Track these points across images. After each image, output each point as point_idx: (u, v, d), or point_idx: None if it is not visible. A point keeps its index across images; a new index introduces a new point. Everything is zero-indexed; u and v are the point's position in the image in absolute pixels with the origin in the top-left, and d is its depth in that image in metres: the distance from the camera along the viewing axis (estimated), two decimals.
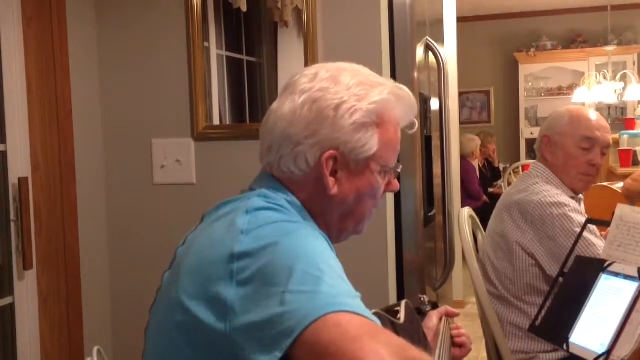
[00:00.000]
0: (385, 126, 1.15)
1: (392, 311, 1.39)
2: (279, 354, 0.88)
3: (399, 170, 1.23)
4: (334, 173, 1.12)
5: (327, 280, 0.92)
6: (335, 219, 1.18)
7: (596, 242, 1.99)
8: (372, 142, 1.12)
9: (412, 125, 1.22)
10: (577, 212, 2.09)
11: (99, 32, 2.55)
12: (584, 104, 7.59)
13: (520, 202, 2.14)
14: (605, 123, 2.28)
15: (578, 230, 2.01)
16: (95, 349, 1.37)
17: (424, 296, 1.62)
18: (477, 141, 7.01)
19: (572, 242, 1.98)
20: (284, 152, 1.12)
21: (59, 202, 2.32)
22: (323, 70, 1.15)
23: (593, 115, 2.25)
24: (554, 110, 2.41)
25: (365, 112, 1.11)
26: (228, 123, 2.64)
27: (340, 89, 1.11)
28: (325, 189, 1.12)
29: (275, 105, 1.16)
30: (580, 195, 2.30)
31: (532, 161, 2.35)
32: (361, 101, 1.11)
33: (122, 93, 2.55)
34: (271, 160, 1.15)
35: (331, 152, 1.11)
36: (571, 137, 2.20)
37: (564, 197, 2.13)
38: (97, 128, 2.56)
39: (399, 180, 1.27)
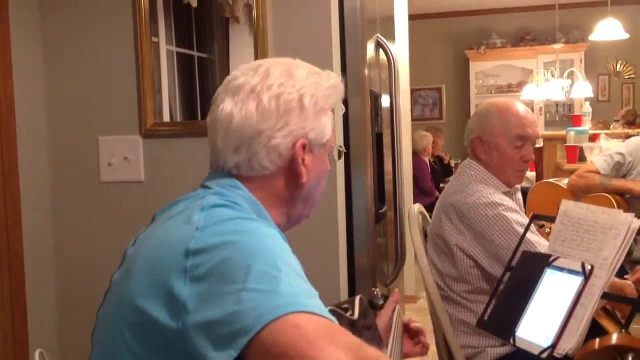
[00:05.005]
0: (332, 110, 1.22)
1: (346, 307, 1.41)
2: (233, 353, 0.87)
3: (343, 150, 1.33)
4: (302, 161, 1.16)
5: (285, 279, 0.92)
6: (298, 206, 1.21)
7: (534, 239, 1.96)
8: (329, 126, 1.19)
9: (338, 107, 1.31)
10: (512, 210, 2.10)
11: (42, 25, 2.48)
12: (532, 101, 7.76)
13: (456, 204, 2.15)
14: (532, 116, 2.28)
15: (515, 228, 2.04)
16: (37, 352, 1.33)
17: (376, 290, 1.64)
18: (430, 137, 7.09)
19: (509, 240, 2.02)
20: (256, 149, 1.13)
21: (1, 202, 2.25)
22: (271, 67, 1.18)
23: (522, 111, 2.22)
24: (480, 107, 2.35)
25: (323, 97, 1.18)
26: (179, 120, 2.60)
27: (296, 81, 1.16)
28: (297, 177, 1.16)
29: (228, 106, 1.14)
30: (517, 186, 2.33)
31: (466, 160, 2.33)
32: (318, 89, 1.17)
33: (67, 89, 2.49)
34: (239, 161, 1.14)
35: (302, 140, 1.15)
36: (504, 137, 2.19)
37: (497, 196, 2.14)
38: (42, 125, 2.49)
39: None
